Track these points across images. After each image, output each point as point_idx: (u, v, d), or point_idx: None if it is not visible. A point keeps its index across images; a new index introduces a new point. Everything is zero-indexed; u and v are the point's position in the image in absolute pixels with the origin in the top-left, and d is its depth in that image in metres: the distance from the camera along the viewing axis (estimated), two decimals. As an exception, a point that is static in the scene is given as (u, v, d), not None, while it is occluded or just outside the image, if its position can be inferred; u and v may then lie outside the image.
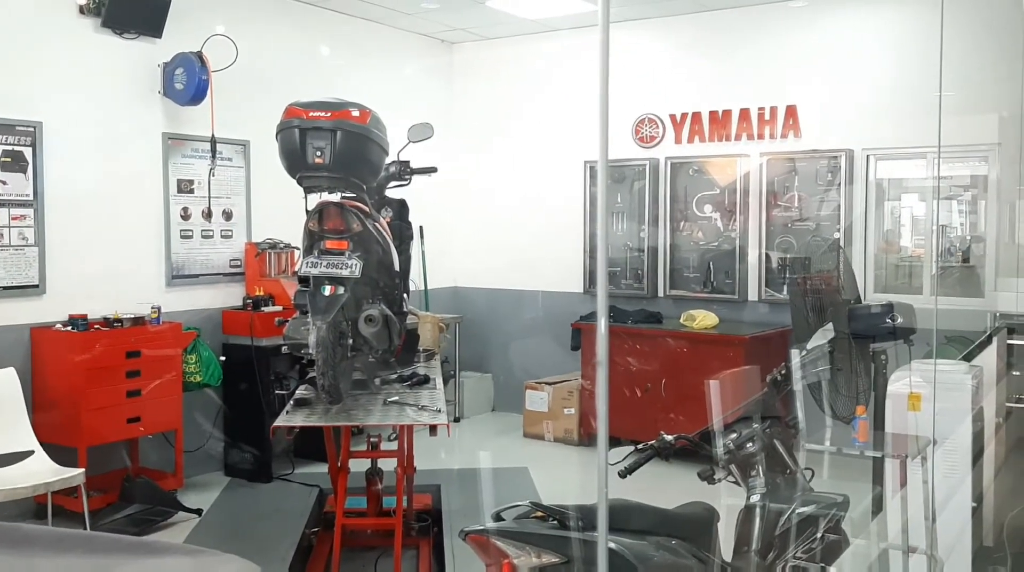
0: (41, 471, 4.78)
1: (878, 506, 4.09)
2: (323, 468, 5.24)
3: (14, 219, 5.37)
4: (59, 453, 5.02)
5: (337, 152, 3.77)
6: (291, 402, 4.16)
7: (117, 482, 5.48)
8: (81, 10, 5.69)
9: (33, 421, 5.09)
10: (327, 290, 3.80)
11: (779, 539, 3.05)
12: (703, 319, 6.89)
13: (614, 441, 4.54)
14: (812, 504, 3.13)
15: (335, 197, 4.06)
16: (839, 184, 6.77)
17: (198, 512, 5.51)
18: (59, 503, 5.05)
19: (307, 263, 3.83)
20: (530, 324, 8.09)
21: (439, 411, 4.04)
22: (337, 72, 7.24)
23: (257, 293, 6.38)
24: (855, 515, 3.37)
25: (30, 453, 4.88)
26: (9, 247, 5.35)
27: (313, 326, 3.73)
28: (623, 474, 2.84)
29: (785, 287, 6.79)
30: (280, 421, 3.94)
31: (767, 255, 7.08)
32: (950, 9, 5.16)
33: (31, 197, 5.45)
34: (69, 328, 5.37)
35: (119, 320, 5.46)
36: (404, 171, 4.82)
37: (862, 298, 4.30)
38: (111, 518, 5.25)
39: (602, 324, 2.12)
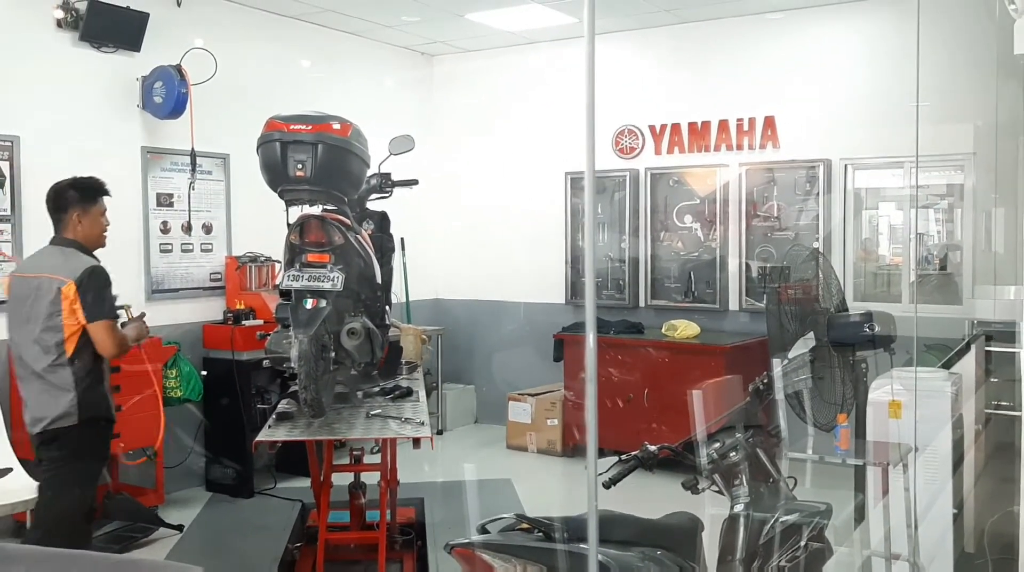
0: (20, 489, 4.71)
1: (860, 514, 4.11)
2: (305, 482, 5.21)
3: (-9, 234, 5.32)
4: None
5: (318, 165, 3.77)
6: (273, 416, 4.14)
7: (97, 499, 5.42)
8: (59, 24, 5.67)
9: (11, 438, 5.03)
10: (309, 303, 3.79)
11: (763, 548, 3.06)
12: (685, 329, 6.92)
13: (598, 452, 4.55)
14: (795, 512, 3.14)
15: (316, 210, 4.05)
16: (817, 194, 6.83)
17: (179, 528, 5.46)
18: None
19: (289, 276, 3.82)
20: (512, 335, 8.10)
21: (422, 424, 4.03)
22: (317, 85, 7.23)
23: (238, 307, 6.35)
24: (838, 523, 3.39)
25: (8, 471, 4.82)
26: (-14, 262, 5.30)
27: (295, 340, 3.72)
28: (607, 485, 2.84)
29: (765, 296, 6.83)
30: (262, 436, 3.92)
31: (747, 264, 7.12)
32: (925, 20, 5.23)
33: (8, 211, 5.40)
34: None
35: (98, 335, 5.40)
36: (385, 184, 4.82)
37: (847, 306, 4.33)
38: (92, 535, 5.19)
39: (590, 338, 2.12)
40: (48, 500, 3.97)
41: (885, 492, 3.87)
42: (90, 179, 4.05)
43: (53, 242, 3.97)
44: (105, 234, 4.05)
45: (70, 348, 3.82)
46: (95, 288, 3.82)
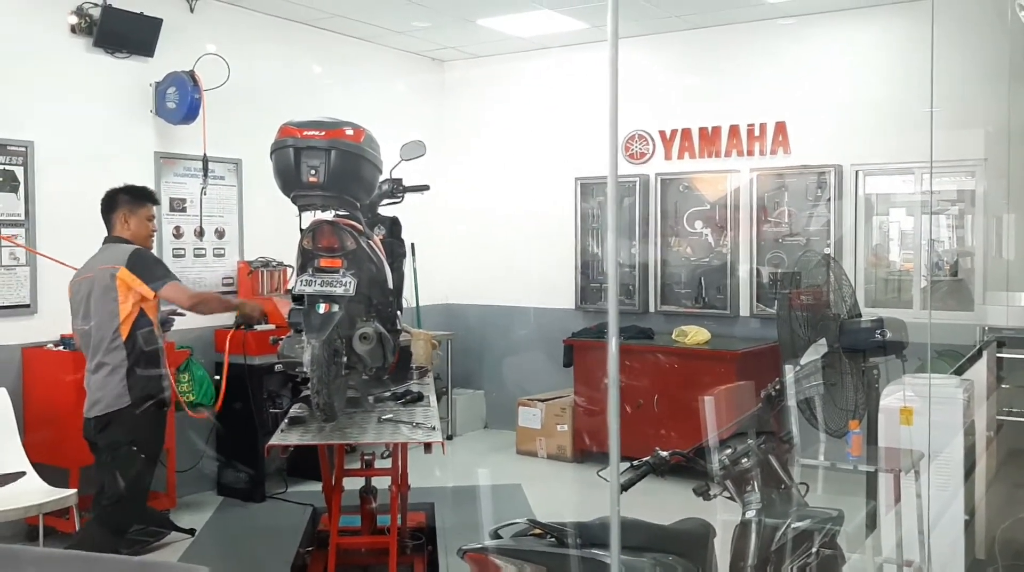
0: (33, 492, 4.75)
1: (872, 520, 4.10)
2: (317, 487, 5.22)
3: (5, 239, 5.36)
4: (51, 474, 4.99)
5: (331, 171, 3.78)
6: (285, 420, 4.15)
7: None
8: (73, 30, 5.71)
9: (24, 441, 5.06)
10: (321, 308, 3.79)
11: (775, 554, 3.06)
12: (695, 335, 6.91)
13: (606, 457, 4.55)
14: (807, 519, 3.14)
15: (329, 215, 4.07)
16: (828, 199, 6.83)
17: (191, 532, 5.48)
18: (51, 524, 5.00)
19: (301, 281, 3.83)
20: (522, 340, 8.10)
21: (433, 428, 4.04)
22: (329, 91, 7.26)
23: (250, 311, 6.36)
24: (850, 529, 3.39)
25: (21, 474, 4.85)
26: (0, 267, 5.33)
27: (307, 344, 3.73)
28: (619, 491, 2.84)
29: (776, 302, 6.82)
30: (275, 440, 3.93)
31: (758, 270, 7.12)
32: (937, 25, 5.23)
33: (22, 217, 5.44)
34: (61, 348, 5.35)
35: (111, 339, 5.44)
36: (397, 189, 4.84)
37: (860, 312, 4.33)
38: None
39: (613, 343, 2.12)
40: (109, 482, 4.10)
41: (897, 499, 3.86)
42: (141, 186, 4.46)
43: (104, 242, 4.32)
44: (152, 237, 4.43)
45: (125, 331, 4.09)
46: (145, 261, 4.18)
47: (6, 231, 5.36)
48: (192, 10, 6.35)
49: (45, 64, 5.59)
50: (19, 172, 5.43)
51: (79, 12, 5.71)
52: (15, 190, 5.41)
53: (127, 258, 4.13)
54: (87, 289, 4.18)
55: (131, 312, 4.10)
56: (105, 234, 4.35)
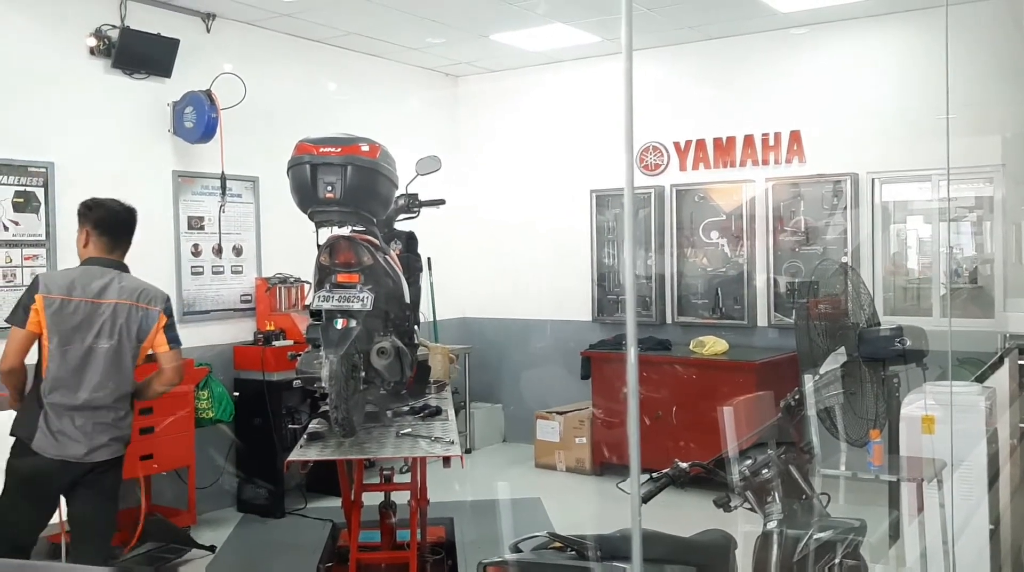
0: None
1: (895, 530, 4.07)
2: (336, 502, 5.22)
3: (27, 259, 5.42)
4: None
5: (348, 187, 3.80)
6: (304, 436, 4.16)
7: (131, 520, 5.47)
8: (92, 51, 5.78)
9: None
10: (339, 323, 3.80)
11: (797, 565, 3.04)
12: (713, 345, 6.89)
13: (626, 469, 4.54)
14: (829, 529, 3.12)
15: (346, 231, 4.09)
16: (845, 208, 6.80)
17: (212, 549, 5.50)
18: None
19: (319, 297, 3.85)
20: (539, 353, 8.09)
21: (452, 442, 4.03)
22: (344, 107, 7.31)
23: (268, 328, 6.40)
24: (873, 540, 3.36)
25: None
26: (22, 287, 5.38)
27: (326, 360, 3.73)
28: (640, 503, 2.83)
29: (794, 311, 6.79)
30: (294, 455, 3.94)
31: (775, 280, 7.09)
32: (952, 31, 5.20)
33: (43, 237, 5.50)
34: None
35: (131, 357, 5.47)
36: (413, 204, 4.85)
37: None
38: (125, 557, 5.23)
39: (632, 353, 2.12)
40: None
41: (920, 508, 3.82)
42: None
43: (114, 266, 3.90)
44: None
45: (138, 375, 3.91)
46: (171, 314, 3.96)
47: (27, 252, 5.42)
48: (208, 30, 6.42)
49: (64, 86, 5.66)
50: (40, 193, 5.49)
51: (98, 34, 5.78)
52: (36, 211, 5.47)
53: (164, 304, 3.91)
54: (116, 313, 3.78)
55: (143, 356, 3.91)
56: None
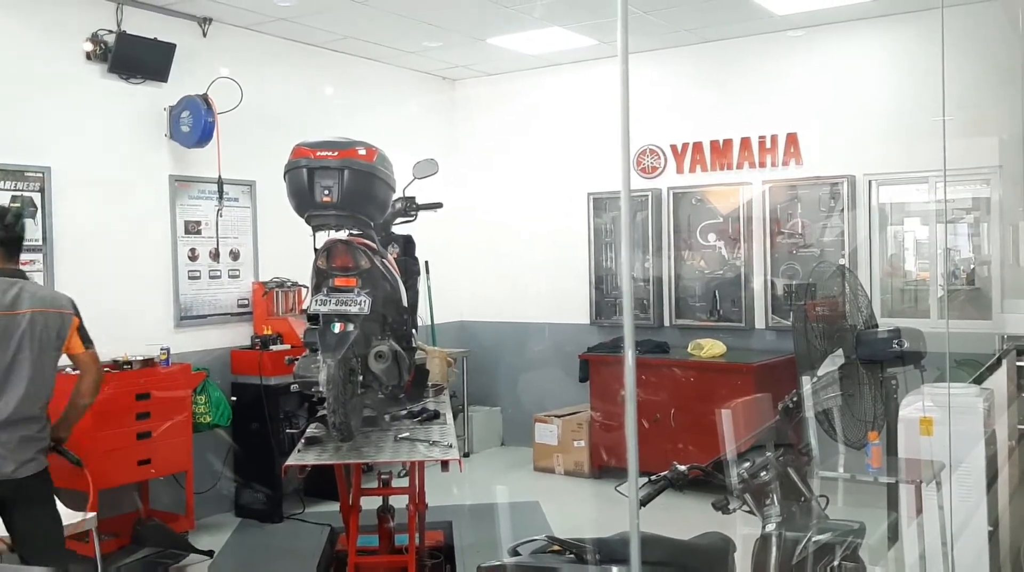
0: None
1: (894, 532, 4.06)
2: (334, 507, 5.22)
3: (23, 264, 5.32)
4: (70, 497, 4.99)
5: (345, 190, 3.80)
6: (302, 441, 4.15)
7: (128, 525, 5.46)
8: (88, 56, 5.77)
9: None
10: (336, 327, 3.80)
11: (796, 568, 3.03)
12: (711, 348, 6.89)
13: (624, 472, 4.54)
14: (828, 532, 3.11)
15: (343, 235, 4.09)
16: (842, 210, 6.80)
17: (209, 554, 5.48)
18: (70, 547, 5.00)
19: (316, 301, 3.85)
20: (537, 356, 8.09)
21: (450, 446, 4.03)
22: (341, 111, 7.31)
23: (265, 332, 6.40)
24: (872, 542, 3.35)
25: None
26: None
27: (323, 364, 3.74)
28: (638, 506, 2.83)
29: (792, 314, 6.79)
30: (292, 460, 3.93)
31: (773, 282, 7.09)
32: (948, 33, 5.22)
33: (40, 241, 5.49)
34: (78, 371, 5.36)
35: (128, 362, 5.47)
36: (410, 207, 4.85)
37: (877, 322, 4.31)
38: (123, 562, 5.22)
39: (629, 356, 2.12)
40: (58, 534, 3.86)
41: (919, 510, 3.82)
42: None
43: (14, 274, 3.72)
44: None
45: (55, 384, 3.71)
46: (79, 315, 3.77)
47: (24, 257, 5.39)
48: (205, 35, 6.41)
49: (61, 90, 5.65)
50: (37, 198, 5.48)
51: (94, 39, 5.78)
52: (33, 215, 5.46)
53: (72, 306, 3.72)
54: (34, 322, 3.58)
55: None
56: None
